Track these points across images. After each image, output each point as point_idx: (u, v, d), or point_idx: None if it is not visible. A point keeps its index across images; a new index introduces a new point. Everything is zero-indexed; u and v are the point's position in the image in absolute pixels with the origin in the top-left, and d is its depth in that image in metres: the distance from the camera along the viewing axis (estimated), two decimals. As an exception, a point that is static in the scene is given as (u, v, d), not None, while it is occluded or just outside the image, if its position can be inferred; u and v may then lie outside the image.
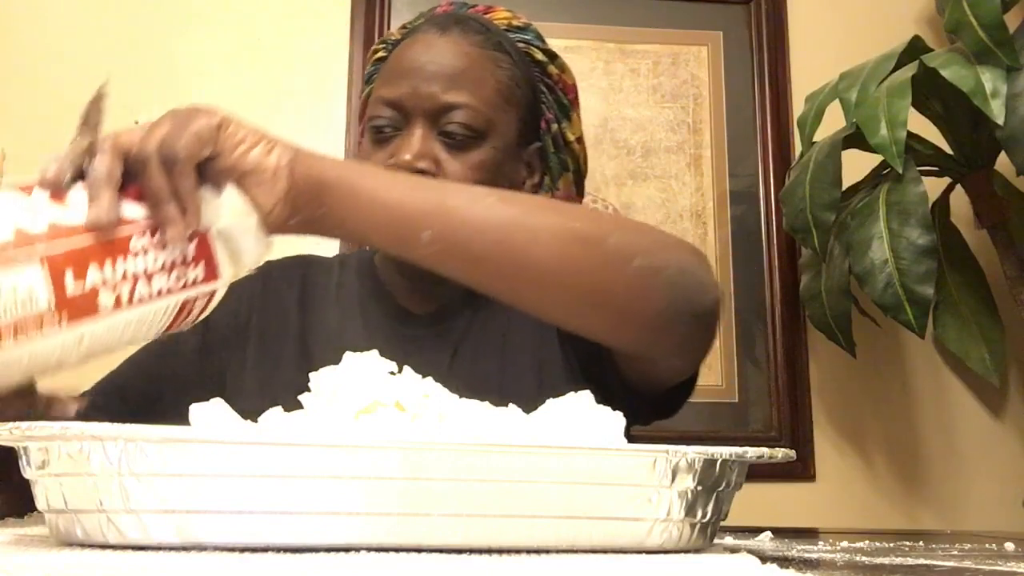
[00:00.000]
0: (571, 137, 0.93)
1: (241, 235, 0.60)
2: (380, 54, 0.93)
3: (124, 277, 0.55)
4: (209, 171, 0.58)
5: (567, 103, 0.92)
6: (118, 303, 0.55)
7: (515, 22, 0.92)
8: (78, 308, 0.53)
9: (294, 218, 0.60)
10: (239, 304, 0.92)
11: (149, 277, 0.56)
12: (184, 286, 0.59)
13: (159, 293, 0.57)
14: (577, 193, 0.95)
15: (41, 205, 0.54)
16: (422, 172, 0.80)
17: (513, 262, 0.63)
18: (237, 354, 0.91)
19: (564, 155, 0.93)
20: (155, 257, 0.57)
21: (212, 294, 0.61)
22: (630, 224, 0.69)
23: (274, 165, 0.59)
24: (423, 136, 0.82)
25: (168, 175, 0.55)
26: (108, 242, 0.55)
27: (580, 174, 0.95)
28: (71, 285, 0.52)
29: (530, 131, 0.90)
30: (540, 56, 0.91)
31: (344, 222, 0.62)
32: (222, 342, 0.91)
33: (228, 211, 0.60)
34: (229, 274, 0.61)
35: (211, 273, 0.60)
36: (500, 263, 0.63)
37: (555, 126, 0.92)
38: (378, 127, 0.85)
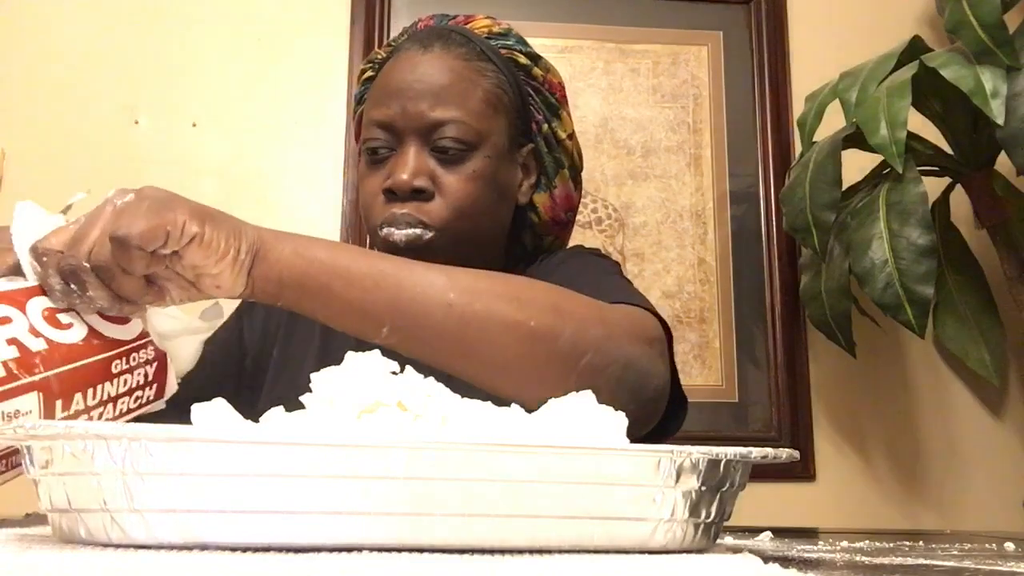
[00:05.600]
0: (563, 135, 0.94)
1: (184, 349, 0.64)
2: (368, 74, 0.95)
3: (100, 402, 0.57)
4: (166, 261, 0.59)
5: (555, 102, 0.94)
6: None
7: (495, 29, 0.93)
8: None
9: (252, 300, 0.64)
10: (268, 311, 0.97)
11: (116, 400, 0.59)
12: (140, 406, 0.61)
13: (120, 414, 0.59)
14: (575, 187, 0.97)
15: (37, 319, 0.56)
16: (420, 191, 0.84)
17: (468, 356, 0.66)
18: (266, 359, 0.95)
19: (558, 153, 0.94)
20: (125, 380, 0.59)
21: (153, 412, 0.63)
22: (584, 310, 0.69)
23: (237, 270, 0.61)
24: (416, 154, 0.85)
25: (123, 264, 0.56)
26: (97, 364, 0.57)
27: (576, 169, 0.97)
28: (59, 412, 0.55)
29: (521, 134, 0.92)
30: (523, 60, 0.92)
31: (303, 311, 0.65)
32: (256, 348, 0.96)
33: (181, 330, 0.64)
34: (174, 390, 0.64)
35: (160, 392, 0.63)
36: (455, 356, 0.66)
37: (546, 126, 0.93)
38: (372, 148, 0.87)
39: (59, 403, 0.55)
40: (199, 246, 0.58)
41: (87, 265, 0.56)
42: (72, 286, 0.56)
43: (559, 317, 0.67)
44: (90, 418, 0.57)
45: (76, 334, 0.57)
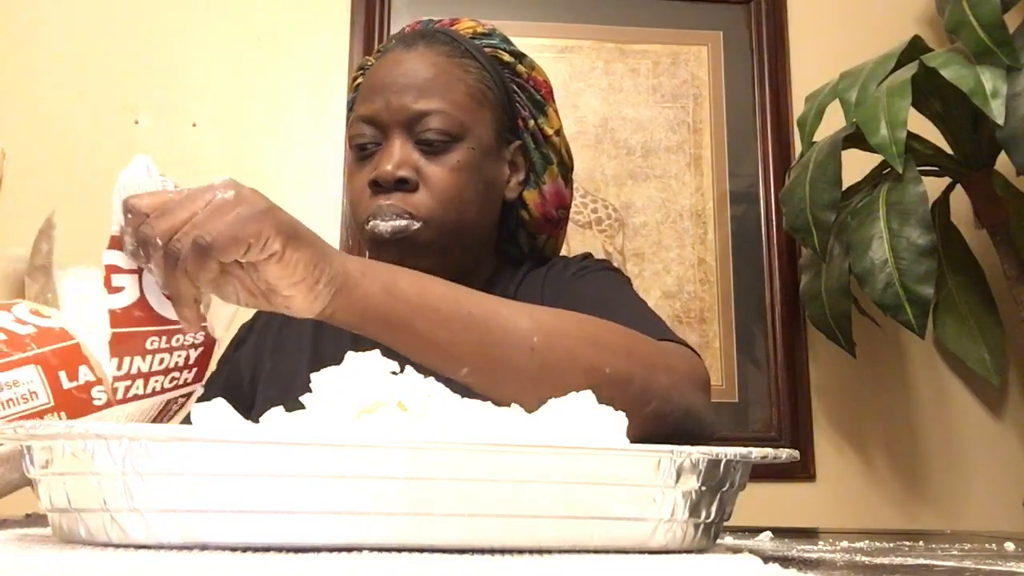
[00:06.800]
0: (549, 131, 0.95)
1: (216, 317, 0.63)
2: (359, 80, 0.96)
3: (128, 375, 0.57)
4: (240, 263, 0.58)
5: (541, 99, 0.95)
6: (110, 400, 0.57)
7: (480, 29, 0.95)
8: (74, 404, 0.55)
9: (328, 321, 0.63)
10: (260, 332, 0.99)
11: (147, 377, 0.58)
12: (175, 387, 0.60)
13: (153, 392, 0.59)
14: (565, 184, 0.97)
15: (23, 313, 0.57)
16: (404, 181, 0.84)
17: (543, 399, 0.66)
18: (260, 372, 0.96)
19: (545, 149, 0.95)
20: (161, 360, 0.58)
21: (191, 394, 0.62)
22: (652, 357, 0.71)
23: (312, 298, 0.60)
24: (401, 145, 0.86)
25: (193, 267, 0.56)
26: (126, 336, 0.56)
27: (565, 167, 0.98)
28: (65, 382, 0.55)
29: (508, 131, 0.93)
30: (508, 58, 0.93)
31: (382, 342, 0.64)
32: (251, 367, 0.97)
33: (228, 320, 0.63)
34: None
35: (199, 376, 0.62)
36: (530, 397, 0.66)
37: (532, 122, 0.94)
38: (360, 145, 0.89)
39: (63, 373, 0.55)
40: (277, 263, 0.58)
41: (160, 244, 0.55)
42: (141, 252, 0.56)
43: (632, 364, 0.68)
44: (114, 390, 0.56)
45: (121, 301, 0.57)
